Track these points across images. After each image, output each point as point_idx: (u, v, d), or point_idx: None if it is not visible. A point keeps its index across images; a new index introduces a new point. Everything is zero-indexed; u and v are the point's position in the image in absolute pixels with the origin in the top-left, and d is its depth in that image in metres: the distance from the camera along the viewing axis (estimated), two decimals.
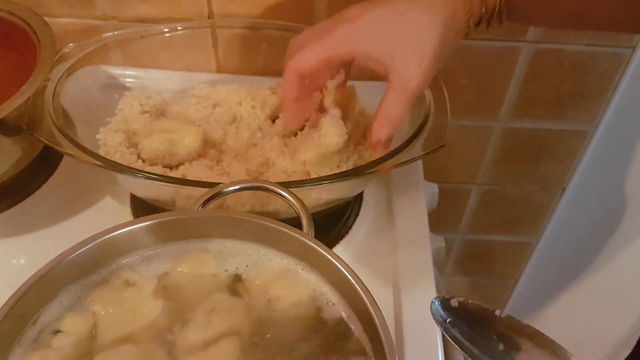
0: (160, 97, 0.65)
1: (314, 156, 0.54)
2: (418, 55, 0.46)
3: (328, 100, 0.57)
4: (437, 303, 0.39)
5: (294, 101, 0.51)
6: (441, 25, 0.46)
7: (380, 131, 0.49)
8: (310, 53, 0.48)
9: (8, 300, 0.37)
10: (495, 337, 0.39)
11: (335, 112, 0.55)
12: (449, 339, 0.38)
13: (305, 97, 0.52)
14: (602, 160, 0.87)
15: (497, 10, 0.47)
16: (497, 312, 0.39)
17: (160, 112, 0.64)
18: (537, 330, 0.38)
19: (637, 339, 0.60)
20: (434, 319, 0.39)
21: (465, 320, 0.39)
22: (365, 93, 0.64)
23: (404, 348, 0.51)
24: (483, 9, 0.47)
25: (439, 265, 0.67)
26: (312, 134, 0.55)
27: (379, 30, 0.47)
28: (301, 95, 0.51)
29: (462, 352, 0.38)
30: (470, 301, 0.39)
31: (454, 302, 0.39)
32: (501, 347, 0.38)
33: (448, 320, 0.39)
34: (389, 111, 0.48)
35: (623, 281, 0.97)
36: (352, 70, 0.55)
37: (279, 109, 0.62)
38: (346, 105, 0.58)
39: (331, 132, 0.53)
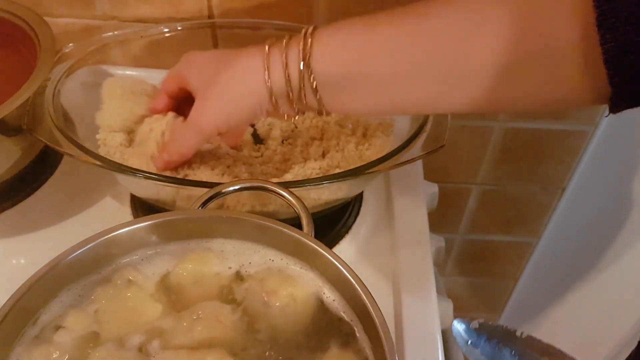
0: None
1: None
2: (213, 102, 0.50)
3: None
4: (458, 325, 0.40)
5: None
6: (244, 96, 0.49)
7: (167, 148, 0.54)
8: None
9: (8, 300, 0.37)
10: (517, 357, 0.39)
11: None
12: (472, 359, 0.39)
13: None
14: (602, 160, 0.87)
15: (302, 85, 0.46)
16: (518, 333, 0.40)
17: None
18: (559, 350, 0.39)
19: (638, 339, 0.60)
20: (456, 340, 0.40)
21: (487, 341, 0.40)
22: None
23: (404, 348, 0.51)
24: (287, 83, 0.47)
25: (439, 265, 0.67)
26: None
27: (199, 71, 0.53)
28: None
29: None
30: (490, 323, 0.40)
31: (474, 324, 0.40)
32: None
33: (469, 342, 0.40)
34: (176, 136, 0.54)
35: (623, 281, 0.97)
36: None
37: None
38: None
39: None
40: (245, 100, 0.49)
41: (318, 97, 0.47)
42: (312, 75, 0.46)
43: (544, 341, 0.39)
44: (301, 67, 0.45)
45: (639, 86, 0.37)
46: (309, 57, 0.45)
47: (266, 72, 0.47)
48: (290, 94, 0.47)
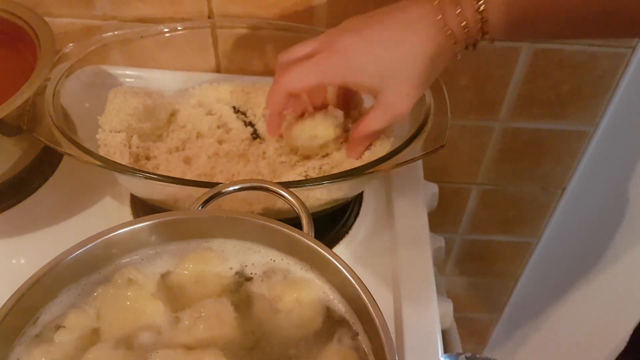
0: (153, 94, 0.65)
1: (301, 144, 0.59)
2: (406, 85, 0.50)
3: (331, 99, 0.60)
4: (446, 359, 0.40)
5: (278, 115, 0.56)
6: (428, 57, 0.49)
7: (359, 136, 0.54)
8: (302, 76, 0.51)
9: (8, 300, 0.37)
10: None
11: (337, 112, 0.59)
12: None
13: (288, 108, 0.56)
14: (602, 160, 0.87)
15: (481, 30, 0.48)
16: None
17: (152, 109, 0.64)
18: None
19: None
20: None
21: None
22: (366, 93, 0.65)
23: (404, 348, 0.51)
24: (465, 33, 0.49)
25: (439, 265, 0.67)
26: (306, 124, 0.58)
27: (370, 62, 0.50)
28: (285, 109, 0.55)
29: None
30: (478, 356, 0.40)
31: (461, 358, 0.40)
32: None
33: None
34: (371, 124, 0.53)
35: (623, 281, 0.97)
36: None
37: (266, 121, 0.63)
38: (347, 107, 0.61)
39: (321, 126, 0.57)
40: (439, 66, 0.50)
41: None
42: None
43: None
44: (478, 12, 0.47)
45: None
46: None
47: (452, 39, 0.48)
48: (467, 39, 0.49)
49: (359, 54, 0.50)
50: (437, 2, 0.48)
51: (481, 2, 0.47)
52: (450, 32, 0.48)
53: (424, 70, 0.49)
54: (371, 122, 0.53)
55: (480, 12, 0.47)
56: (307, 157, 0.60)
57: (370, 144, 0.57)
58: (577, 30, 0.48)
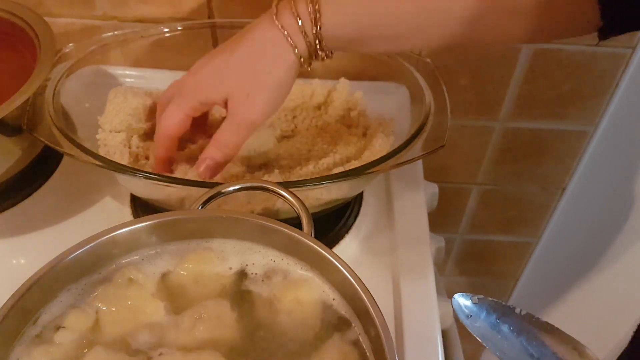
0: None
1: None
2: (250, 93, 0.50)
3: None
4: (459, 298, 0.41)
5: (167, 160, 0.55)
6: (270, 66, 0.50)
7: (209, 152, 0.52)
8: (171, 115, 0.52)
9: (8, 300, 0.37)
10: (515, 332, 0.40)
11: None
12: (473, 332, 0.40)
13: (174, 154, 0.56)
14: (602, 160, 0.87)
15: (318, 43, 0.49)
16: (517, 310, 0.41)
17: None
18: (556, 327, 0.40)
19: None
20: (456, 313, 0.41)
21: (486, 315, 0.41)
22: (366, 93, 0.65)
23: (404, 348, 0.51)
24: (308, 40, 0.49)
25: (439, 265, 0.67)
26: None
27: (216, 77, 0.51)
28: (172, 153, 0.55)
29: (487, 345, 0.40)
30: (490, 298, 0.40)
31: (474, 299, 0.40)
32: (523, 340, 0.40)
33: (470, 316, 0.41)
34: (223, 138, 0.52)
35: (623, 281, 0.97)
36: (352, 69, 0.56)
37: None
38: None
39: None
40: (286, 76, 0.50)
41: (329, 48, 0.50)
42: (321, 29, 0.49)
43: (542, 319, 0.41)
44: (314, 30, 0.48)
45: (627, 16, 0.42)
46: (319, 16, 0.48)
47: (288, 39, 0.49)
48: (310, 50, 0.50)
49: (206, 72, 0.51)
50: (275, 9, 0.49)
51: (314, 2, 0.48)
52: (280, 25, 0.49)
53: (269, 76, 0.50)
54: (224, 135, 0.52)
55: (314, 10, 0.48)
56: (306, 158, 0.60)
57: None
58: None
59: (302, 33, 0.49)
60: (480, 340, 0.40)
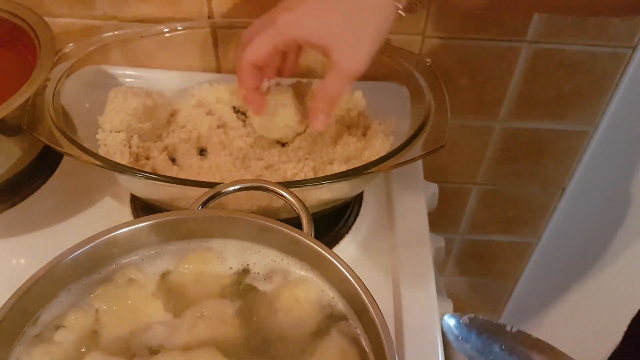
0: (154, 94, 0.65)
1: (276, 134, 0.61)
2: (354, 42, 0.50)
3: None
4: (448, 320, 0.41)
5: (256, 90, 0.56)
6: (372, 13, 0.49)
7: (320, 105, 0.53)
8: (259, 44, 0.51)
9: (8, 300, 0.37)
10: (507, 351, 0.40)
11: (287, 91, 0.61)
12: (463, 354, 0.40)
13: (261, 83, 0.56)
14: (602, 160, 0.87)
15: None
16: (508, 328, 0.41)
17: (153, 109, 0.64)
18: (548, 344, 0.40)
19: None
20: (447, 335, 0.40)
21: (477, 336, 0.40)
22: (366, 93, 0.65)
23: (404, 348, 0.51)
24: None
25: (439, 265, 0.67)
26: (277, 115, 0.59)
27: (317, 18, 0.50)
28: (259, 83, 0.55)
29: None
30: (480, 317, 0.40)
31: (464, 319, 0.40)
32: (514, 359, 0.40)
33: (460, 337, 0.40)
34: (329, 91, 0.52)
35: (623, 281, 0.97)
36: None
37: (244, 102, 0.63)
38: (301, 95, 0.63)
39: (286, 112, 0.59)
40: (387, 27, 0.50)
41: None
42: None
43: (533, 336, 0.40)
44: None
45: None
46: None
47: None
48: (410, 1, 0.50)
49: (305, 9, 0.50)
50: None
51: None
52: None
53: (370, 29, 0.50)
54: (329, 87, 0.52)
55: None
56: (307, 158, 0.60)
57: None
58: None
59: None
60: None
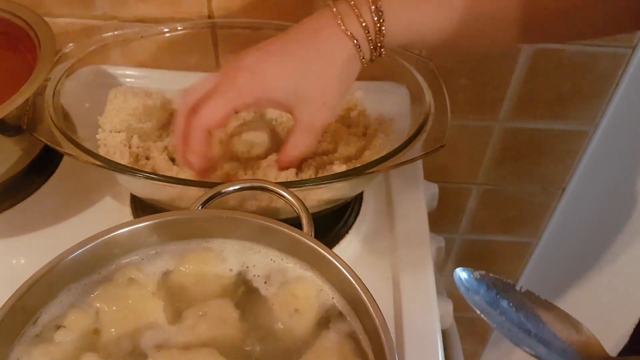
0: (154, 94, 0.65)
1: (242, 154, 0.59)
2: (320, 99, 0.50)
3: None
4: (460, 273, 0.41)
5: (205, 157, 0.51)
6: (338, 65, 0.49)
7: (289, 156, 0.53)
8: (216, 106, 0.48)
9: (8, 300, 0.37)
10: (514, 307, 0.41)
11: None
12: (472, 304, 0.41)
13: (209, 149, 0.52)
14: (602, 160, 0.87)
15: (379, 31, 0.49)
16: (517, 287, 0.41)
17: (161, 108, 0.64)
18: (554, 305, 0.41)
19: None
20: (458, 287, 0.41)
21: (486, 290, 0.41)
22: (366, 93, 0.65)
23: (404, 348, 0.51)
24: (371, 46, 0.50)
25: (439, 265, 0.67)
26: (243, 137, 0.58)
27: (281, 79, 0.49)
28: (208, 148, 0.51)
29: (485, 318, 0.40)
30: (491, 274, 0.41)
31: (476, 274, 0.41)
32: (521, 316, 0.41)
33: (470, 290, 0.41)
34: (297, 145, 0.52)
35: (623, 281, 0.97)
36: None
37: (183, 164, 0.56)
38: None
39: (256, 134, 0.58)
40: (353, 79, 0.51)
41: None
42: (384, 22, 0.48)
43: (542, 297, 0.41)
44: (378, 38, 0.49)
45: None
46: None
47: (358, 48, 0.49)
48: (372, 55, 0.50)
49: (267, 69, 0.48)
50: (334, 8, 0.49)
51: None
52: (350, 33, 0.48)
53: (336, 80, 0.49)
54: (297, 144, 0.52)
55: (377, 9, 0.48)
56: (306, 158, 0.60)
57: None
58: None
59: (368, 41, 0.49)
60: (478, 312, 0.40)
